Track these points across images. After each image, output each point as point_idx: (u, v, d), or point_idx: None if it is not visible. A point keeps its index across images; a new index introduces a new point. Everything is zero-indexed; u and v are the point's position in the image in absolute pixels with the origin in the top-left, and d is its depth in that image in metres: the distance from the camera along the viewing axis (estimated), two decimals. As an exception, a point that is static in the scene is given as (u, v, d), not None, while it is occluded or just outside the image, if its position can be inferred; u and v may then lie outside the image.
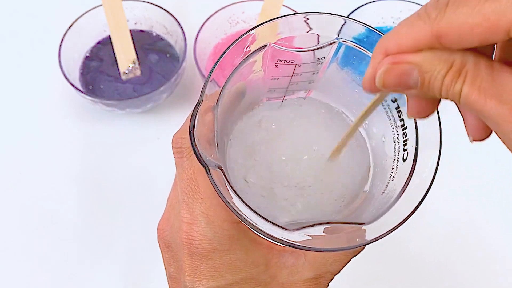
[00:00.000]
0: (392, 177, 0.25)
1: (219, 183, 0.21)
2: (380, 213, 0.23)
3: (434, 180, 0.22)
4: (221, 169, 0.22)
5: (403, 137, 0.25)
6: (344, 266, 0.26)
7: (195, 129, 0.21)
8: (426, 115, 0.20)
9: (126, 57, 0.53)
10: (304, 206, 0.27)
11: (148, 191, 0.51)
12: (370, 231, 0.22)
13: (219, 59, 0.24)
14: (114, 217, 0.50)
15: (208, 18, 0.54)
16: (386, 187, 0.25)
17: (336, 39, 0.25)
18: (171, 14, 0.54)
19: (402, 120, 0.25)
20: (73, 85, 0.49)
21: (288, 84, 0.28)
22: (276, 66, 0.26)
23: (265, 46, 0.25)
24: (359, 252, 0.26)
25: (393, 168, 0.25)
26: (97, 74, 0.54)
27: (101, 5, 0.52)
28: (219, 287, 0.24)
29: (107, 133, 0.55)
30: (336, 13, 0.25)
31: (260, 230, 0.21)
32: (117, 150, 0.54)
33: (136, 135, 0.55)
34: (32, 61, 0.60)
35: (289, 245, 0.21)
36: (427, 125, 0.23)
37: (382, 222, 0.22)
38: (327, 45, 0.26)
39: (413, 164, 0.23)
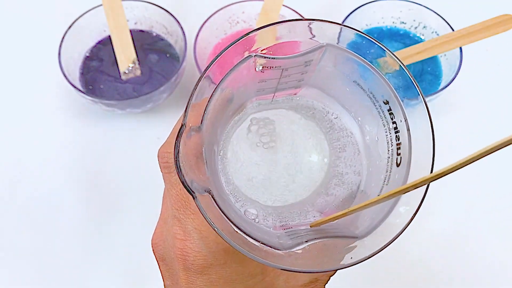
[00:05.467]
0: (386, 181, 0.25)
1: (207, 209, 0.21)
2: (373, 225, 0.22)
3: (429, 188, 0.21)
4: (209, 193, 0.21)
5: (396, 140, 0.25)
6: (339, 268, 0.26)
7: (179, 155, 0.20)
8: None
9: (126, 57, 0.53)
10: (297, 198, 0.27)
11: (148, 191, 0.51)
12: (363, 246, 0.22)
13: (209, 65, 0.23)
14: (114, 217, 0.50)
15: (208, 18, 0.54)
16: (381, 192, 0.24)
17: (323, 43, 0.25)
18: (171, 14, 0.54)
19: (394, 122, 0.25)
20: (73, 85, 0.50)
21: (276, 85, 0.28)
22: (262, 72, 0.26)
23: (249, 57, 0.24)
24: None
25: (387, 171, 0.25)
26: (97, 74, 0.54)
27: (101, 5, 0.52)
28: None
29: (107, 133, 0.55)
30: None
31: (253, 256, 0.20)
32: (117, 150, 0.54)
33: (136, 135, 0.55)
34: (32, 61, 0.60)
35: (282, 269, 0.21)
36: (421, 130, 0.23)
37: (374, 238, 0.22)
38: (313, 50, 0.25)
39: (406, 170, 0.23)
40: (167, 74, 0.54)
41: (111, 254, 0.48)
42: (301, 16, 0.54)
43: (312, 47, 0.25)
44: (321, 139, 0.29)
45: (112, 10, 0.51)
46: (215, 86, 0.23)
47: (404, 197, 0.21)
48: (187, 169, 0.21)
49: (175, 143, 0.20)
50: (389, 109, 0.25)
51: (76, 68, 0.54)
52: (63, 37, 0.52)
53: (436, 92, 0.50)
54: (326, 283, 0.26)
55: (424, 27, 0.56)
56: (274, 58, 0.25)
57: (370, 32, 0.57)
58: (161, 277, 0.26)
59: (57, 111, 0.56)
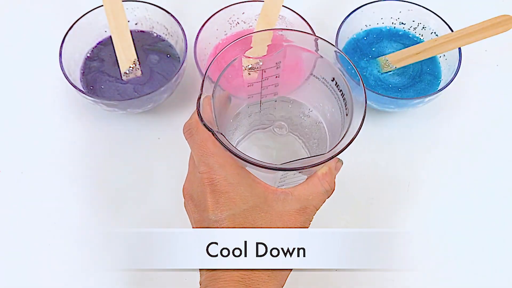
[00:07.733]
0: (341, 128, 0.33)
1: (223, 140, 0.29)
2: (333, 146, 0.32)
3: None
4: (222, 134, 0.29)
5: (344, 101, 0.33)
6: (323, 202, 0.34)
7: (201, 110, 0.29)
8: None
9: (126, 57, 0.53)
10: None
11: (148, 191, 0.51)
12: (337, 147, 0.31)
13: (215, 57, 0.31)
14: (114, 217, 0.50)
15: (209, 19, 0.54)
16: (340, 136, 0.33)
17: (284, 46, 0.34)
18: (172, 15, 0.54)
19: (341, 90, 0.33)
20: (74, 86, 0.50)
21: (261, 89, 0.36)
22: (249, 74, 0.35)
23: (236, 58, 0.33)
24: (331, 194, 0.35)
25: (342, 124, 0.34)
26: (98, 75, 0.54)
27: (102, 5, 0.52)
28: (235, 214, 0.32)
29: (108, 133, 0.55)
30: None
31: (257, 164, 0.29)
32: (118, 150, 0.54)
33: (137, 135, 0.55)
34: (33, 61, 0.60)
35: (279, 169, 0.29)
36: (359, 91, 0.32)
37: (335, 149, 0.31)
38: (279, 52, 0.34)
39: (351, 115, 0.32)
40: (168, 74, 0.54)
41: (109, 252, 0.48)
42: (301, 17, 0.54)
43: (278, 50, 0.34)
44: (302, 148, 0.41)
45: (113, 10, 0.52)
46: (218, 76, 0.32)
47: (350, 129, 0.31)
48: (205, 120, 0.29)
49: (197, 101, 0.30)
50: (336, 83, 0.34)
51: (77, 68, 0.54)
52: (64, 38, 0.52)
53: (435, 93, 0.50)
54: (314, 214, 0.34)
55: (424, 27, 0.56)
56: (253, 58, 0.33)
57: (369, 32, 0.57)
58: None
59: (58, 112, 0.56)
